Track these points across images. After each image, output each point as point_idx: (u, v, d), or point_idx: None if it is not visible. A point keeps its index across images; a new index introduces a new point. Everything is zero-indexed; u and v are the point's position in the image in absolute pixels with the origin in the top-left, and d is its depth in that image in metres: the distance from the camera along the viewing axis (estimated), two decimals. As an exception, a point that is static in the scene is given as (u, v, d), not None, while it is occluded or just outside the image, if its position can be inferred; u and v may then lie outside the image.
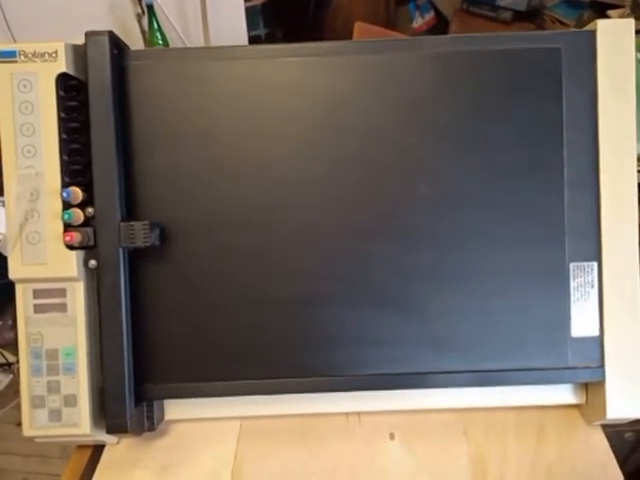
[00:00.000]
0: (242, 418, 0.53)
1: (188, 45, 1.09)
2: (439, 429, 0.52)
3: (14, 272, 0.46)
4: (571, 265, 0.48)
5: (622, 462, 0.49)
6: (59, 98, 0.45)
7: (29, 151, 0.45)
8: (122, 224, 0.45)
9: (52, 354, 0.46)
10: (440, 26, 1.56)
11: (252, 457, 0.51)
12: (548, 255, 0.48)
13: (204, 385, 0.49)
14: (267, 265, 0.48)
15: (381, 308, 0.48)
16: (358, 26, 1.13)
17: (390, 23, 1.52)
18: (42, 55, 0.45)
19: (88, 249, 0.46)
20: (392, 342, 0.48)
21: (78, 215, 0.45)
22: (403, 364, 0.48)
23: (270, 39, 1.47)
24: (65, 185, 0.46)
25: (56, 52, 0.45)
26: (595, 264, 0.48)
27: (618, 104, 0.47)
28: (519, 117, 0.48)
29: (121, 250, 0.45)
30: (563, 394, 0.52)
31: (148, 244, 0.45)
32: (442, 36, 0.50)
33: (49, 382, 0.46)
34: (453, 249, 0.48)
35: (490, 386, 0.50)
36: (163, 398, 0.51)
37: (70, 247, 0.46)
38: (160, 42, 1.06)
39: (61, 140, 0.46)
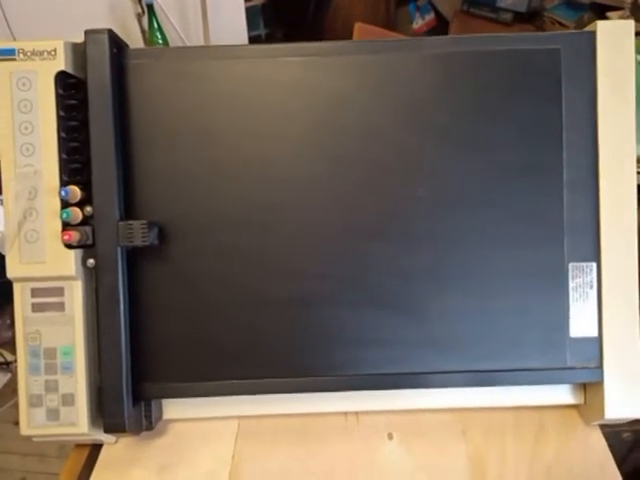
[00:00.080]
0: (240, 418, 0.53)
1: (188, 45, 1.09)
2: (438, 429, 0.52)
3: (12, 271, 0.46)
4: (570, 266, 0.48)
5: (620, 462, 0.50)
6: (58, 96, 0.45)
7: (28, 149, 0.45)
8: (120, 223, 0.45)
9: (50, 353, 0.46)
10: (440, 27, 1.57)
11: (250, 457, 0.50)
12: (547, 256, 0.48)
13: (202, 384, 0.49)
14: (265, 265, 0.48)
15: (380, 308, 0.48)
16: (358, 27, 1.13)
17: (390, 24, 1.52)
18: (41, 53, 0.45)
19: (86, 248, 0.46)
20: (391, 342, 0.48)
21: (76, 214, 0.45)
22: (402, 364, 0.48)
23: (270, 39, 1.47)
24: (64, 184, 0.45)
25: (55, 50, 0.45)
26: (594, 265, 0.48)
27: (618, 105, 0.47)
28: (518, 118, 0.48)
29: (119, 249, 0.45)
30: (562, 394, 0.52)
31: (147, 243, 0.45)
32: (442, 37, 0.50)
33: (47, 381, 0.46)
34: (452, 249, 0.48)
35: (489, 386, 0.50)
36: (161, 397, 0.51)
37: (68, 246, 0.45)
38: (160, 41, 1.06)
39: (60, 139, 0.45)
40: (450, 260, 0.48)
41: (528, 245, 0.48)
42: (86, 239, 0.45)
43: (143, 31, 1.08)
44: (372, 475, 0.49)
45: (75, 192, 0.45)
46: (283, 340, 0.49)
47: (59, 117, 0.45)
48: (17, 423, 0.47)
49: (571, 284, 0.48)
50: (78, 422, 0.46)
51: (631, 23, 0.47)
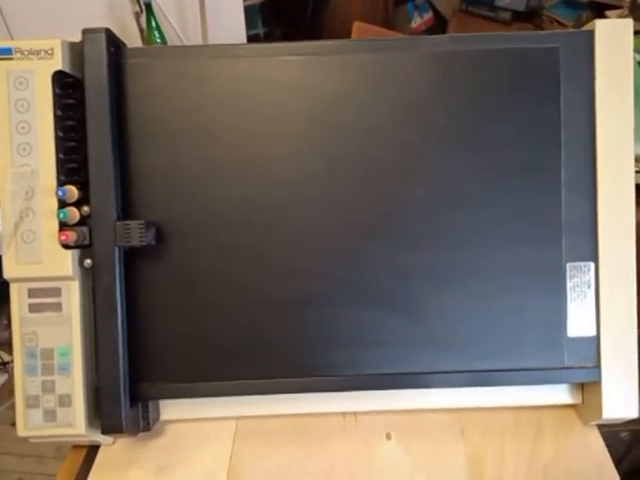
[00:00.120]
0: (238, 418, 0.53)
1: (186, 44, 1.08)
2: (436, 429, 0.52)
3: (9, 271, 0.46)
4: (568, 265, 0.48)
5: (618, 462, 0.50)
6: (55, 96, 0.45)
7: (24, 149, 0.45)
8: (118, 223, 0.45)
9: (47, 354, 0.46)
10: (439, 26, 1.57)
11: (248, 457, 0.50)
12: (545, 255, 0.48)
13: (200, 385, 0.49)
14: (264, 264, 0.48)
15: (379, 308, 0.48)
16: (357, 26, 1.13)
17: (389, 23, 1.52)
18: (38, 52, 0.45)
19: (83, 248, 0.46)
20: (390, 342, 0.48)
21: (74, 214, 0.45)
22: (401, 364, 0.48)
23: (269, 38, 1.47)
24: (61, 183, 0.45)
25: (52, 49, 0.45)
26: (592, 264, 0.48)
27: (616, 104, 0.47)
28: (517, 117, 0.48)
29: (117, 249, 0.45)
30: (559, 394, 0.52)
31: (144, 243, 0.45)
32: (440, 35, 0.50)
33: (44, 382, 0.46)
34: (450, 249, 0.48)
35: (487, 386, 0.50)
36: (159, 398, 0.51)
37: (65, 246, 0.45)
38: (158, 41, 1.06)
39: (57, 138, 0.45)
40: (448, 259, 0.48)
41: (526, 244, 0.48)
42: (83, 239, 0.45)
43: (141, 30, 1.08)
44: (371, 475, 0.49)
45: (72, 192, 0.45)
46: (281, 340, 0.48)
47: (56, 116, 0.45)
48: (14, 424, 0.47)
49: (569, 284, 0.48)
50: (75, 423, 0.46)
51: (630, 22, 0.47)
